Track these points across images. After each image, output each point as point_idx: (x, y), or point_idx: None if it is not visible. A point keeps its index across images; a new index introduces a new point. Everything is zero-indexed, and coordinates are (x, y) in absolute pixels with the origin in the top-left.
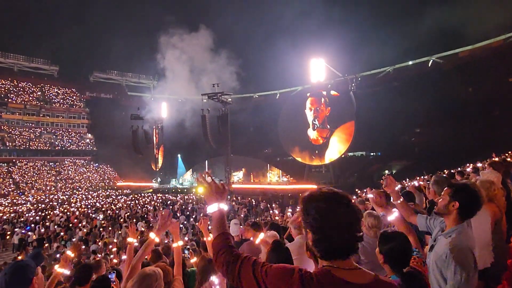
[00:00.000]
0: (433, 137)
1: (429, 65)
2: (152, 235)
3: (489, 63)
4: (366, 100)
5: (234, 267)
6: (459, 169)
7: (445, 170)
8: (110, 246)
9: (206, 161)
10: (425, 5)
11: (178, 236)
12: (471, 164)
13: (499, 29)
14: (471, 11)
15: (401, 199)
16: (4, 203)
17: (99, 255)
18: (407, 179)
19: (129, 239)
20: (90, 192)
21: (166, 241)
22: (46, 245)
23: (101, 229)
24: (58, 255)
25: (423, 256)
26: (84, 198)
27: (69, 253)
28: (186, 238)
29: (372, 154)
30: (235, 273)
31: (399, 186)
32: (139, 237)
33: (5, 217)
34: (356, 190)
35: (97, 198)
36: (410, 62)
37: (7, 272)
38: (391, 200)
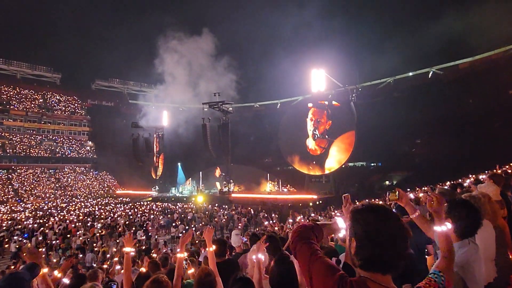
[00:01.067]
0: (433, 148)
1: (429, 76)
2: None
3: (489, 75)
4: (366, 110)
5: (299, 242)
6: (459, 181)
7: (447, 182)
8: (109, 256)
9: (200, 172)
10: (426, 17)
11: (183, 248)
12: (472, 176)
13: (499, 41)
14: (471, 23)
15: (418, 213)
16: (3, 210)
17: (94, 264)
18: (408, 190)
19: (126, 249)
20: (89, 200)
21: (164, 250)
22: (43, 255)
23: (98, 237)
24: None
25: (444, 282)
26: (83, 206)
27: (56, 273)
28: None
29: (372, 164)
30: (297, 244)
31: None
32: (136, 245)
33: (3, 225)
34: (356, 201)
35: (96, 206)
36: (411, 73)
37: (1, 285)
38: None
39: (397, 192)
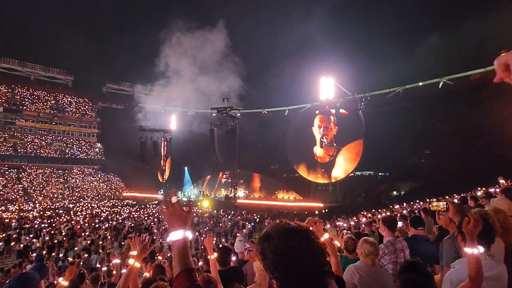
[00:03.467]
0: (442, 160)
1: (440, 87)
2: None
3: (501, 87)
4: (375, 119)
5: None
6: (469, 193)
7: (455, 195)
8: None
9: (207, 177)
10: (437, 27)
11: (211, 251)
12: (482, 189)
13: None
14: (483, 34)
15: None
16: (11, 209)
17: (99, 266)
18: (417, 201)
19: (132, 253)
20: (96, 202)
21: (168, 255)
22: (54, 254)
23: (104, 239)
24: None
25: None
26: (90, 207)
27: (63, 282)
28: None
29: (380, 174)
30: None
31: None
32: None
33: (13, 224)
34: (363, 211)
35: (102, 208)
36: (421, 83)
37: (12, 284)
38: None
39: (446, 203)
